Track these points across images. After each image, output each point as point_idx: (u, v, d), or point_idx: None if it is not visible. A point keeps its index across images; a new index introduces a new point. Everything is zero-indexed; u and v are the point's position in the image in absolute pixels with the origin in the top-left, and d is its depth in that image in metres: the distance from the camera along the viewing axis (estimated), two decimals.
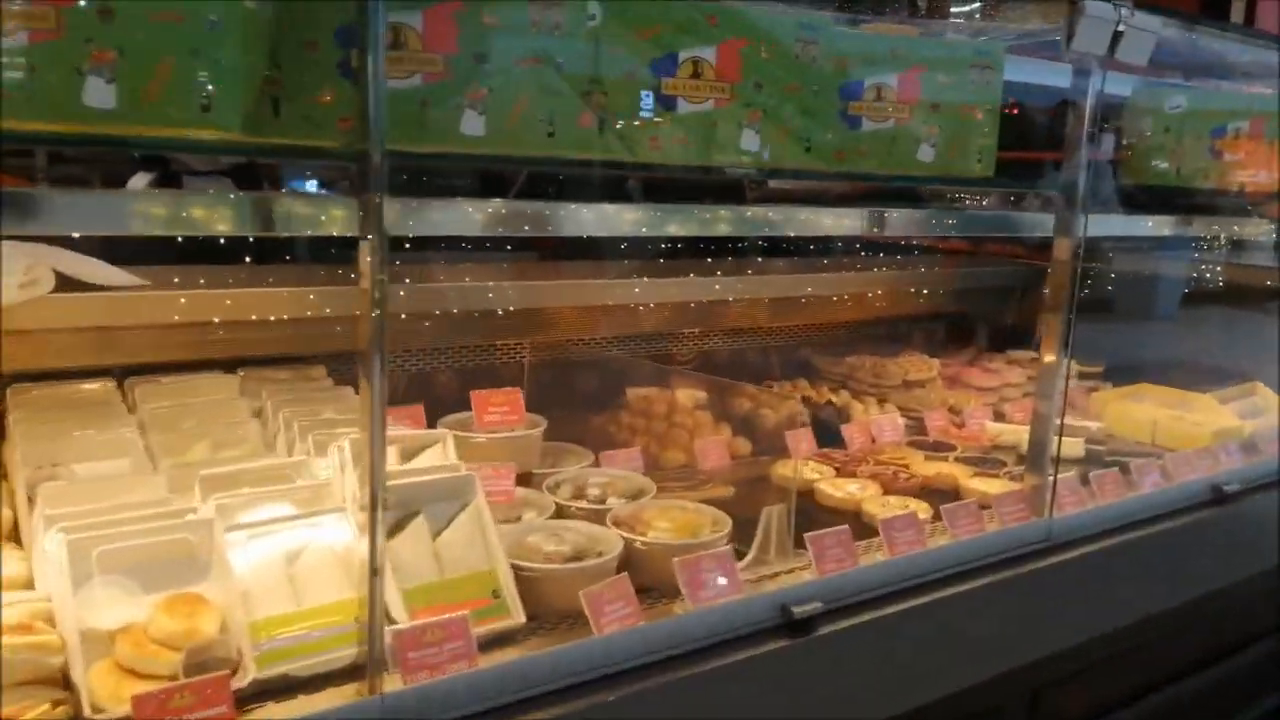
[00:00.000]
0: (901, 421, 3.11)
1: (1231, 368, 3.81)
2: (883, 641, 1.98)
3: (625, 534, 1.96)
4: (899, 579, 2.07)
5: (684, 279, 3.32)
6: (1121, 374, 3.74)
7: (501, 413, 2.31)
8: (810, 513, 2.50)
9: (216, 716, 1.35)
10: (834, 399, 3.21)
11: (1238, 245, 4.04)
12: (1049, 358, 2.34)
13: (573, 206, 1.85)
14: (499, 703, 1.55)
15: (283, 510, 1.75)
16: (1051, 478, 2.35)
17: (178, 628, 1.48)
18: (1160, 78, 3.18)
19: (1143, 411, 3.21)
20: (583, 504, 2.16)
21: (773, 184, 3.29)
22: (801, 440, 2.87)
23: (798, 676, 1.85)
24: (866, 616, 1.96)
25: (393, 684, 1.48)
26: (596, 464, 2.46)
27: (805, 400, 3.21)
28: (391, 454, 1.93)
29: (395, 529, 1.73)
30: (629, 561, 1.96)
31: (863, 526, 2.40)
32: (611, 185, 2.67)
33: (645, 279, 3.24)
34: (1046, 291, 2.33)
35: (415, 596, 1.64)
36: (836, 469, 2.74)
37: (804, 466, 2.72)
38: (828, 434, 2.94)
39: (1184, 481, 2.70)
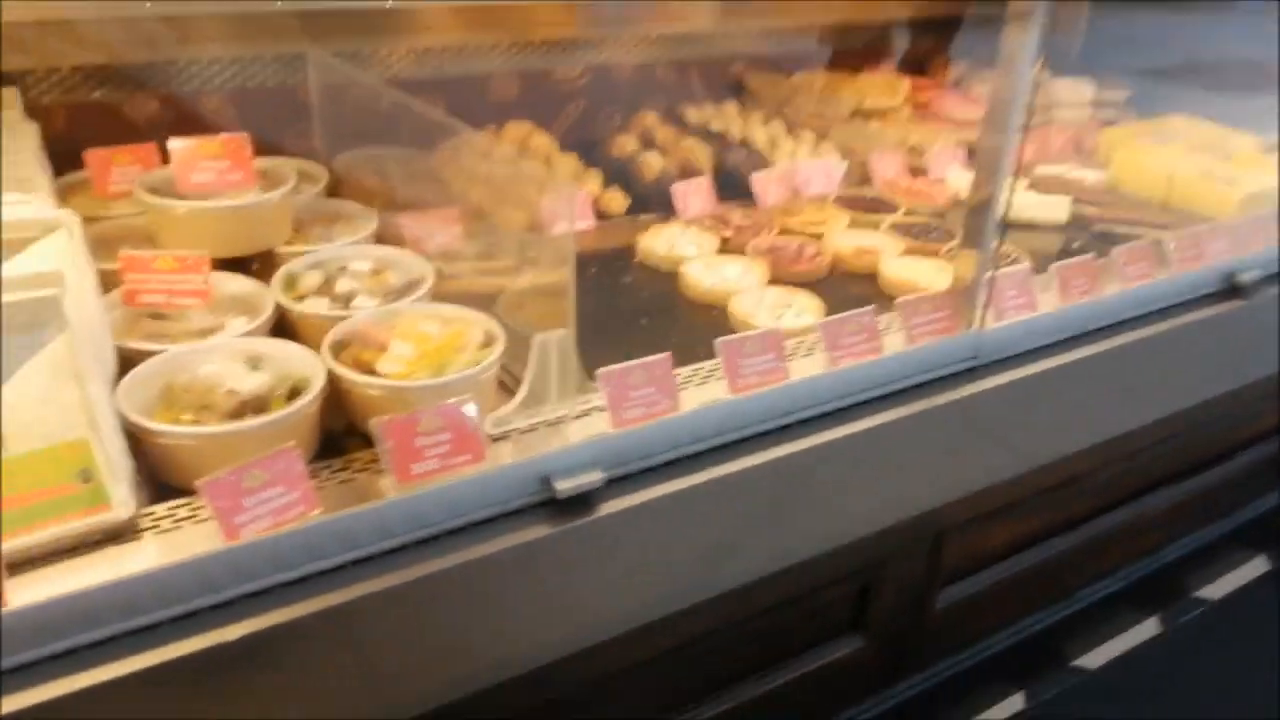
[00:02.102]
0: (839, 167, 2.41)
1: None
2: (699, 512, 1.45)
3: (341, 367, 1.38)
4: (738, 425, 1.49)
5: None
6: (1160, 98, 2.92)
7: (219, 170, 1.65)
8: (673, 308, 1.89)
9: None
10: (749, 136, 2.48)
11: None
12: (1004, 79, 1.59)
13: None
14: (58, 647, 1.06)
15: None
16: (989, 273, 1.69)
17: None
18: None
19: (1159, 160, 2.46)
20: (319, 308, 1.56)
21: None
22: (693, 195, 2.21)
23: (561, 575, 1.34)
24: (679, 484, 1.41)
25: None
26: (381, 238, 1.83)
27: (719, 137, 2.48)
28: None
29: None
30: (350, 406, 1.40)
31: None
32: None
33: None
34: None
35: None
36: (726, 239, 2.08)
37: (683, 235, 2.07)
38: (738, 185, 2.27)
39: (1186, 270, 2.02)
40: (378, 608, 1.20)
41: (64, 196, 1.77)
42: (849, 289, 1.94)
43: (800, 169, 2.34)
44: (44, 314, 1.19)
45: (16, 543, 1.09)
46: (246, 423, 1.24)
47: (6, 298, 1.17)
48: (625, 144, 2.38)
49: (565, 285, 1.36)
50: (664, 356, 1.45)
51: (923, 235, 2.14)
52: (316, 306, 1.56)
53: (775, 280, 1.92)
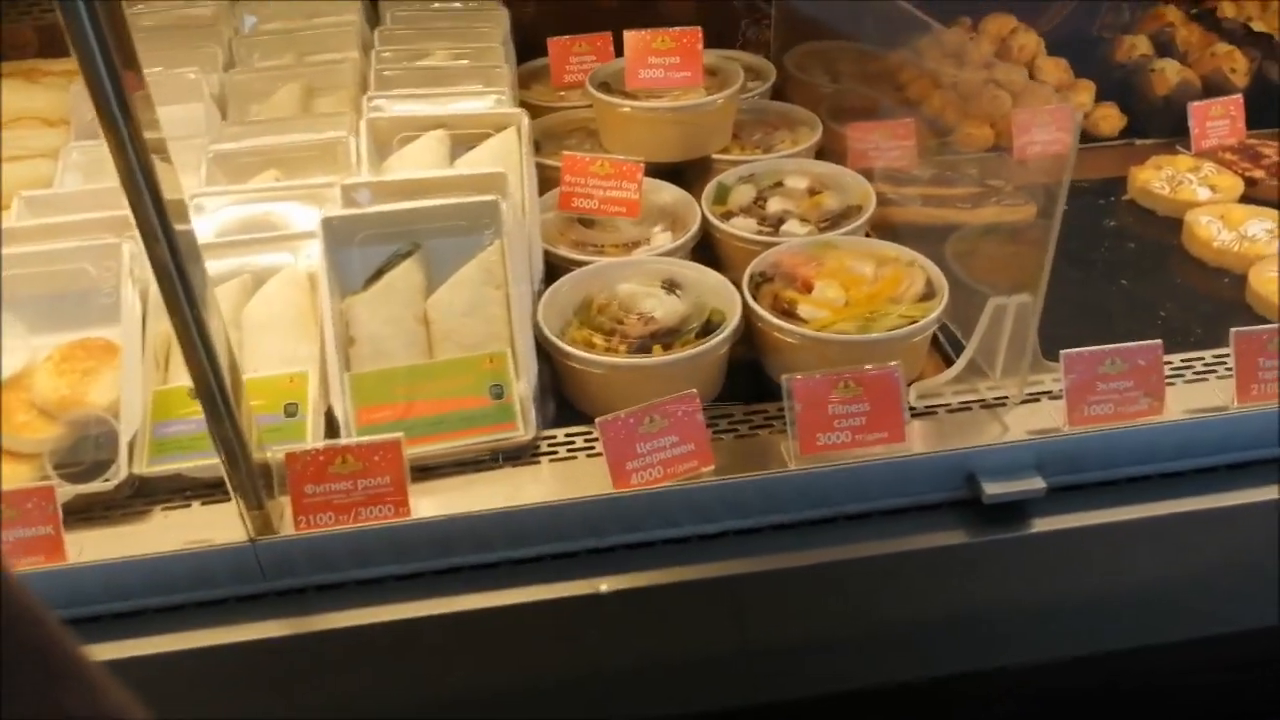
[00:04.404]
0: None
1: None
2: (1167, 547, 1.15)
3: (758, 307, 1.25)
4: (1241, 445, 1.15)
5: None
6: None
7: (665, 66, 1.56)
8: (1168, 267, 1.52)
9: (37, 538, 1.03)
10: None
11: None
12: None
13: None
14: (453, 561, 1.07)
15: (264, 224, 1.29)
16: None
17: (58, 392, 1.14)
18: None
19: None
20: (746, 229, 1.43)
21: None
22: (1217, 118, 1.76)
23: (969, 588, 1.13)
24: (1146, 509, 1.13)
25: (287, 524, 1.05)
26: (823, 149, 1.65)
27: (1265, 40, 1.94)
28: (430, 147, 1.34)
29: (376, 275, 1.20)
30: (763, 348, 1.27)
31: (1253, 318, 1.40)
32: None
33: None
34: None
35: (367, 388, 1.14)
36: (1253, 181, 1.63)
37: (1194, 171, 1.65)
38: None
39: None
40: (757, 586, 1.09)
41: (525, 83, 1.79)
42: None
43: None
44: (483, 218, 1.18)
45: (420, 450, 1.11)
46: (654, 358, 1.16)
47: (449, 200, 1.18)
48: (1133, 47, 1.94)
49: (1043, 234, 1.09)
50: (1152, 345, 1.14)
51: None
52: (743, 227, 1.43)
53: None
